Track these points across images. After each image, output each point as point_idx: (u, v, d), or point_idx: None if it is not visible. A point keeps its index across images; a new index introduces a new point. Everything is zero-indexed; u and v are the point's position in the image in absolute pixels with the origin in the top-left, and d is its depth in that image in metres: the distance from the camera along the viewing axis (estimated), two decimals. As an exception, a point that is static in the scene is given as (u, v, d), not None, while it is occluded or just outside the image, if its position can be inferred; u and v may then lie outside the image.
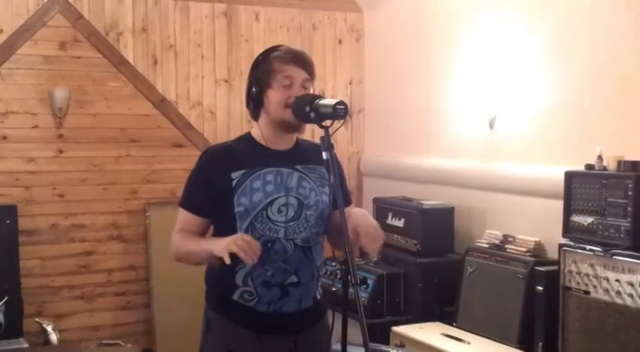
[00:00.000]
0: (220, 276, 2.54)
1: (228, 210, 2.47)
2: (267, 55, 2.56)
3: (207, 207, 2.52)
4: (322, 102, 2.35)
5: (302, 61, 2.53)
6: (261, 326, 2.50)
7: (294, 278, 2.51)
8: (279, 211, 2.49)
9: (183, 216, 2.57)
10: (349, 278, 2.22)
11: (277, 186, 2.50)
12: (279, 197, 2.50)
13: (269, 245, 2.48)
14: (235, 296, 2.50)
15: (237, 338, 2.52)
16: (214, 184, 2.49)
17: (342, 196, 2.34)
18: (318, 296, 2.63)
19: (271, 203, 2.49)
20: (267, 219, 2.47)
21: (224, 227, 2.49)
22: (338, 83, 5.90)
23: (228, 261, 2.29)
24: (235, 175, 2.48)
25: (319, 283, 2.63)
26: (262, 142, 2.56)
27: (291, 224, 2.50)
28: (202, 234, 2.57)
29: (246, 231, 2.47)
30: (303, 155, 2.57)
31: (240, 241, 2.29)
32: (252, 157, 2.53)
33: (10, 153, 4.99)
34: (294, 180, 2.53)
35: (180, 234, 2.55)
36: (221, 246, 2.33)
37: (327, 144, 2.31)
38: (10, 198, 4.96)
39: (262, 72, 2.52)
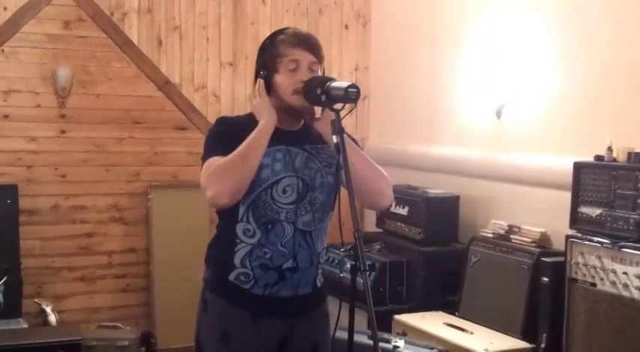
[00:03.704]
0: (219, 256, 2.52)
1: None
2: (273, 38, 2.52)
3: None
4: (334, 84, 2.32)
5: (308, 43, 2.49)
6: (256, 308, 2.47)
7: (291, 263, 2.47)
8: (284, 192, 2.45)
9: (216, 159, 2.36)
10: (357, 264, 2.18)
11: (285, 165, 2.46)
12: (286, 177, 2.46)
13: (269, 227, 2.44)
14: (232, 277, 2.47)
15: (232, 320, 2.48)
16: (230, 150, 2.37)
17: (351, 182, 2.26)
18: (319, 284, 2.58)
19: (277, 182, 2.45)
20: (271, 199, 2.43)
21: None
22: (343, 69, 5.84)
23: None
24: None
25: (320, 270, 2.58)
26: None
27: (293, 206, 2.46)
28: None
29: (246, 210, 2.44)
30: (311, 135, 2.53)
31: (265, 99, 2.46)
32: None
33: (12, 132, 4.95)
34: (302, 161, 2.49)
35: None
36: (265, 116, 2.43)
37: (338, 127, 2.27)
38: (11, 178, 4.93)
39: (268, 56, 2.49)
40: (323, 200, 2.52)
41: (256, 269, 2.45)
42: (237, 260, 2.47)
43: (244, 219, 2.45)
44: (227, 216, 2.48)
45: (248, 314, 2.47)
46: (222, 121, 2.57)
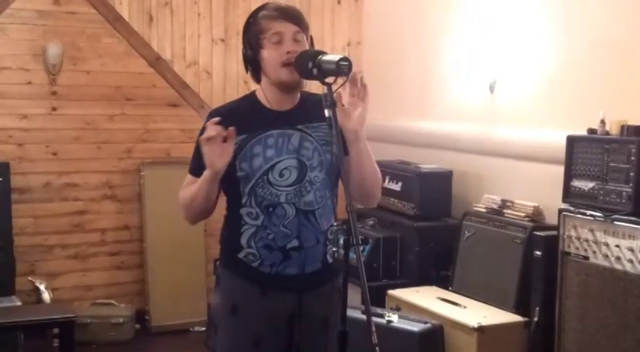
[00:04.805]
0: (229, 236, 2.56)
1: (232, 173, 2.45)
2: (255, 15, 2.51)
3: None
4: (325, 58, 2.29)
5: (289, 14, 2.48)
6: (265, 283, 2.51)
7: (295, 243, 2.48)
8: (281, 175, 2.46)
9: (189, 180, 2.54)
10: (350, 239, 2.17)
11: (278, 149, 2.46)
12: (280, 161, 2.46)
13: (270, 209, 2.46)
14: (241, 256, 2.51)
15: (242, 294, 2.52)
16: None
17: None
18: (330, 260, 2.55)
19: (272, 168, 2.45)
20: (269, 184, 2.44)
21: (230, 190, 2.49)
22: (336, 44, 5.81)
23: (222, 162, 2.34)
24: (237, 139, 2.42)
25: (328, 246, 2.56)
26: (266, 104, 2.51)
27: (294, 187, 2.46)
28: None
29: (248, 196, 2.47)
30: (307, 113, 2.51)
31: (206, 151, 2.33)
32: (255, 120, 2.48)
33: (2, 110, 4.93)
34: (296, 142, 2.48)
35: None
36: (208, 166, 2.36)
37: (330, 101, 2.25)
38: (2, 156, 4.92)
39: (252, 34, 2.48)
40: (323, 178, 2.52)
41: (261, 250, 2.48)
42: (243, 241, 2.50)
43: (248, 204, 2.48)
44: (232, 200, 2.52)
45: (257, 288, 2.50)
46: (209, 116, 2.53)
